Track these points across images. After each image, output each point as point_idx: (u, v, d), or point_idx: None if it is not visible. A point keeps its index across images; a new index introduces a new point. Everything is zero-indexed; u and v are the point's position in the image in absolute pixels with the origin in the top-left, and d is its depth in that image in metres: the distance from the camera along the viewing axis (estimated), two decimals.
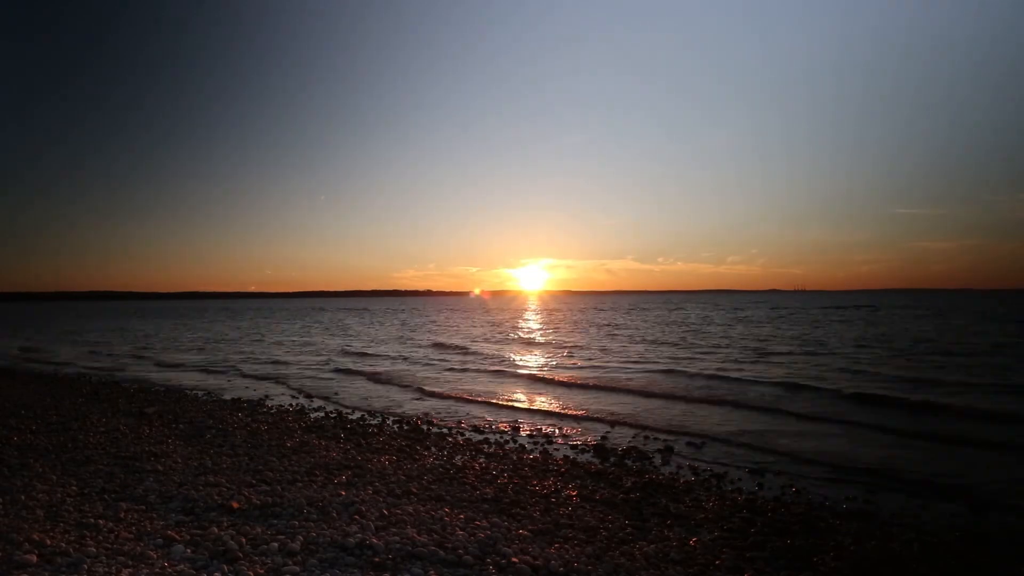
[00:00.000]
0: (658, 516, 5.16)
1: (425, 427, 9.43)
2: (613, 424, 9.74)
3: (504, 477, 6.30)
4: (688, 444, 8.32)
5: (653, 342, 25.42)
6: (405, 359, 20.40)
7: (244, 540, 4.07)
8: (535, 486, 5.97)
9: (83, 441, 7.36)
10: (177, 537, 4.12)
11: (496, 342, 27.07)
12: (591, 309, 76.57)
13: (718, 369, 16.11)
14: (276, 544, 4.00)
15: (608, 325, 38.17)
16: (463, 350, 23.05)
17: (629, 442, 8.45)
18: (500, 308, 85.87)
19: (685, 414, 10.47)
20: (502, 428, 9.45)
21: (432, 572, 3.71)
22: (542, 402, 11.90)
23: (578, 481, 6.24)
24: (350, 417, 10.20)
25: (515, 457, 7.36)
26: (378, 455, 7.15)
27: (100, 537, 4.10)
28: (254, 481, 5.72)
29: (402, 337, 30.95)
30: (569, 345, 24.57)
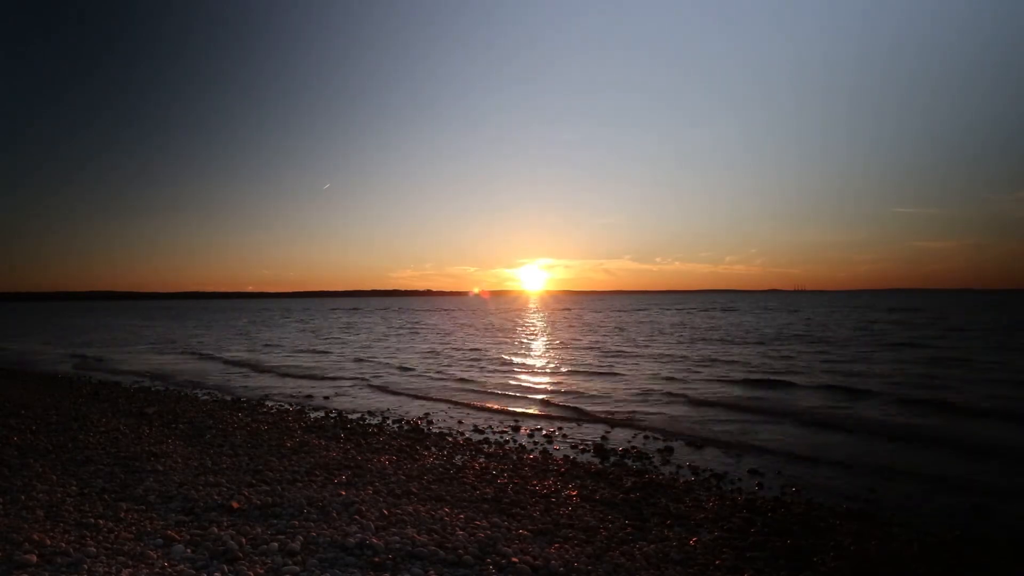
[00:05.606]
0: (658, 516, 5.16)
1: (425, 427, 9.43)
2: (613, 424, 9.73)
3: (504, 477, 6.30)
4: (688, 444, 8.32)
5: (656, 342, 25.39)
6: None
7: (244, 540, 4.07)
8: (535, 486, 5.97)
9: (83, 441, 7.36)
10: (177, 537, 4.12)
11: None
12: (613, 311, 75.72)
13: (719, 372, 16.09)
14: (276, 544, 4.00)
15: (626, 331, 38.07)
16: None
17: (629, 442, 8.45)
18: (528, 313, 68.12)
19: (685, 415, 10.46)
20: (502, 428, 9.45)
21: (432, 572, 3.71)
22: (544, 402, 11.90)
23: (578, 481, 6.23)
24: (350, 417, 10.20)
25: (515, 457, 7.36)
26: (378, 455, 7.14)
27: (100, 537, 4.10)
28: (254, 481, 5.71)
29: None
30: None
